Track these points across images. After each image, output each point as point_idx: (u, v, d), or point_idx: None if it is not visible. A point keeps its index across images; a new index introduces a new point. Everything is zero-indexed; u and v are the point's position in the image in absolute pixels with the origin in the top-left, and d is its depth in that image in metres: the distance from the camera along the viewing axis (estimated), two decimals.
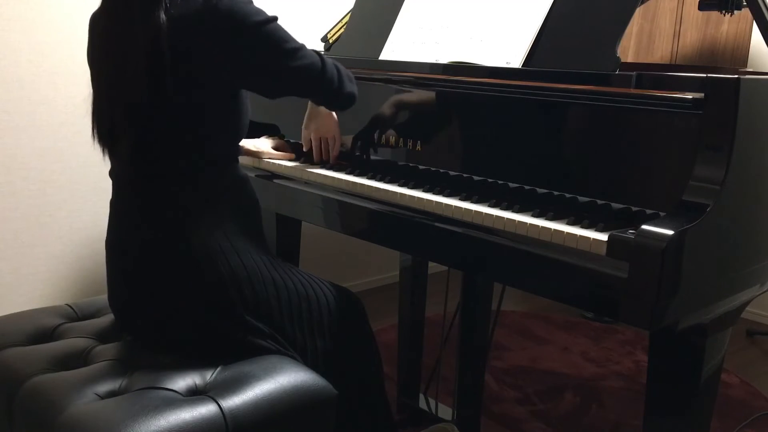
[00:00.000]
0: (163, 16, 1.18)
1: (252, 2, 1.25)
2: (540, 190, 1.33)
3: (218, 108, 1.26)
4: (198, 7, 1.20)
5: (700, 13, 2.69)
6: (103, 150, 1.27)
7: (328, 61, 1.40)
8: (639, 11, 2.77)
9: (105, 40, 1.24)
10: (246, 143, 1.68)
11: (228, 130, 1.30)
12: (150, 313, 1.29)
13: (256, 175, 1.72)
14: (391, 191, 1.45)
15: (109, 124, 1.23)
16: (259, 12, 1.25)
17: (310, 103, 1.60)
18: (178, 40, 1.19)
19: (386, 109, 1.60)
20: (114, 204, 1.34)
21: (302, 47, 1.33)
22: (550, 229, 1.19)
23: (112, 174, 1.33)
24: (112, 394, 1.16)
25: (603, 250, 1.11)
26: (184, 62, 1.20)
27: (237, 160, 1.36)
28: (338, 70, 1.42)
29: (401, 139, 1.56)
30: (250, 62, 1.26)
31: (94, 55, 1.29)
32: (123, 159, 1.27)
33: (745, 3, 1.84)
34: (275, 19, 1.28)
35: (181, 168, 1.25)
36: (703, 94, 1.13)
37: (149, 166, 1.25)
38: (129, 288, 1.30)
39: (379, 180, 1.53)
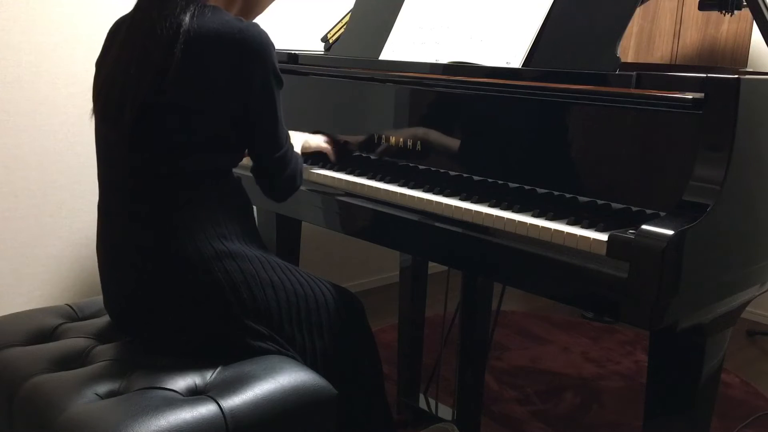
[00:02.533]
0: (187, 20, 1.20)
1: (275, 50, 1.27)
2: (540, 190, 1.33)
3: (220, 118, 1.26)
4: (226, 22, 1.22)
5: (700, 13, 2.69)
6: (102, 120, 1.28)
7: (292, 148, 1.39)
8: (639, 11, 2.76)
9: (131, 36, 1.25)
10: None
11: (230, 140, 1.29)
12: (147, 319, 1.29)
13: None
14: (391, 191, 1.45)
15: (117, 99, 1.24)
16: (276, 63, 1.28)
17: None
18: (195, 47, 1.20)
19: (386, 109, 1.60)
20: (104, 207, 1.33)
21: (282, 122, 1.34)
22: (550, 229, 1.19)
23: (102, 176, 1.33)
24: (112, 394, 1.16)
25: (603, 250, 1.11)
26: (193, 68, 1.20)
27: (234, 167, 1.36)
28: (296, 160, 1.39)
29: (401, 139, 1.56)
30: (243, 96, 1.25)
31: (111, 51, 1.30)
32: (119, 147, 1.26)
33: (745, 3, 1.84)
34: (282, 82, 1.31)
35: (178, 172, 1.25)
36: (703, 94, 1.13)
37: (146, 169, 1.25)
38: (125, 293, 1.30)
39: (379, 180, 1.53)
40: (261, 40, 1.24)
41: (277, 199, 1.42)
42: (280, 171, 1.37)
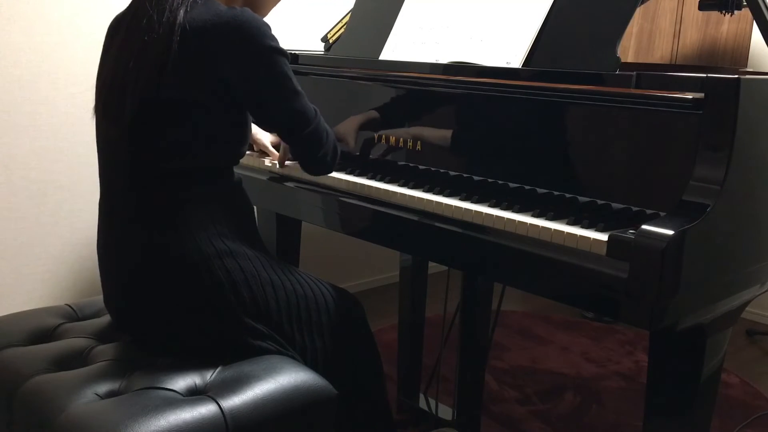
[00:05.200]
0: (182, 14, 1.21)
1: (271, 29, 1.27)
2: (540, 190, 1.33)
3: (220, 113, 1.26)
4: (218, 13, 1.22)
5: (700, 13, 2.69)
6: (104, 115, 1.28)
7: (323, 121, 1.37)
8: (639, 11, 2.76)
9: (132, 33, 1.26)
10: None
11: (230, 135, 1.30)
12: (147, 317, 1.29)
13: (256, 175, 1.72)
14: (391, 191, 1.45)
15: (119, 93, 1.24)
16: (275, 39, 1.27)
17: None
18: (190, 40, 1.20)
19: (386, 108, 1.60)
20: (104, 206, 1.33)
21: (303, 94, 1.32)
22: (550, 229, 1.19)
23: (102, 175, 1.33)
24: (112, 394, 1.16)
25: (603, 250, 1.11)
26: (190, 62, 1.21)
27: (234, 164, 1.36)
28: (328, 134, 1.37)
29: (401, 139, 1.56)
30: (249, 81, 1.25)
31: (111, 48, 1.30)
32: (120, 144, 1.26)
33: (745, 3, 1.84)
34: (287, 54, 1.29)
35: (179, 170, 1.25)
36: (703, 94, 1.13)
37: (147, 167, 1.25)
38: (125, 292, 1.30)
39: (379, 180, 1.53)
40: (256, 23, 1.24)
41: (324, 172, 1.44)
42: (317, 146, 1.35)
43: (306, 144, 1.35)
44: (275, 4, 1.46)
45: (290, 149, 1.40)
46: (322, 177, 1.60)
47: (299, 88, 1.31)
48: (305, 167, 1.42)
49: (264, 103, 1.28)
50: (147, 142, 1.24)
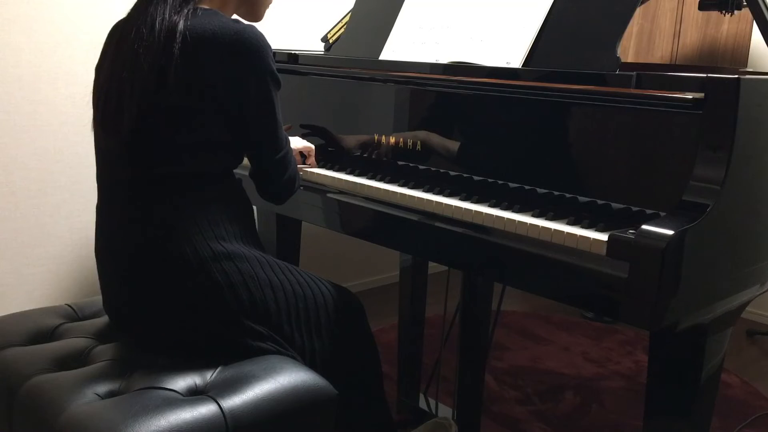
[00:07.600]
0: (181, 22, 1.21)
1: (272, 51, 1.28)
2: (540, 190, 1.33)
3: (217, 119, 1.26)
4: (223, 24, 1.23)
5: (700, 13, 2.70)
6: (102, 128, 1.28)
7: (291, 150, 1.39)
8: (639, 11, 2.77)
9: (124, 41, 1.26)
10: None
11: (229, 141, 1.30)
12: (147, 319, 1.29)
13: None
14: (391, 191, 1.45)
15: (115, 105, 1.24)
16: (273, 63, 1.28)
17: None
18: (191, 47, 1.20)
19: (386, 109, 1.60)
20: (102, 209, 1.33)
21: (281, 122, 1.34)
22: (550, 229, 1.19)
23: (101, 179, 1.33)
24: (112, 394, 1.16)
25: (603, 250, 1.11)
26: (189, 68, 1.21)
27: (234, 168, 1.36)
28: (292, 163, 1.39)
29: (401, 139, 1.56)
30: (238, 97, 1.25)
31: (108, 53, 1.30)
32: (118, 150, 1.26)
33: (745, 3, 1.84)
34: (279, 81, 1.31)
35: (177, 174, 1.25)
36: (703, 94, 1.13)
37: (145, 171, 1.25)
38: (124, 295, 1.30)
39: (379, 180, 1.53)
40: (258, 42, 1.24)
41: (277, 201, 1.42)
42: (281, 173, 1.37)
43: (274, 168, 1.35)
44: (267, 7, 1.46)
45: (254, 172, 1.37)
46: (321, 177, 1.60)
47: (280, 116, 1.33)
48: (266, 190, 1.39)
49: (246, 121, 1.28)
50: (146, 148, 1.24)
